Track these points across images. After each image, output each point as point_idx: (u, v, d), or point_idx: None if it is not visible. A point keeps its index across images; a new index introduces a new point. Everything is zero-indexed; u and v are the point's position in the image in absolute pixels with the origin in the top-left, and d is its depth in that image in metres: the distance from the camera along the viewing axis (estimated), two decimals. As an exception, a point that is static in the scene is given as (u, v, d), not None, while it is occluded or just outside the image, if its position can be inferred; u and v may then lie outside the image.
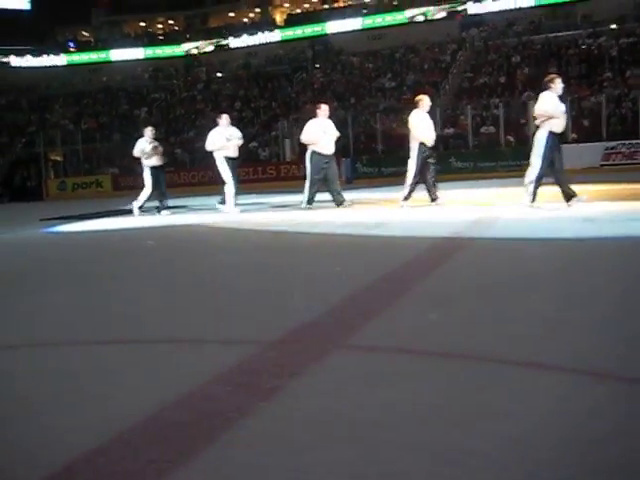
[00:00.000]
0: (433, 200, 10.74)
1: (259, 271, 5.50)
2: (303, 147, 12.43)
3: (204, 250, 7.40)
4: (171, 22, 51.16)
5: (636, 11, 35.98)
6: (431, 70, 35.94)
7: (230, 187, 11.87)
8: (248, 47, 45.56)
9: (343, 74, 38.62)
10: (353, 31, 42.41)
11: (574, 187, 8.97)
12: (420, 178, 10.70)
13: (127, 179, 31.51)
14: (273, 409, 2.32)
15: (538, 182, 8.95)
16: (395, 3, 43.44)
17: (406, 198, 10.71)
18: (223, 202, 12.09)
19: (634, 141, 22.27)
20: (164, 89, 43.86)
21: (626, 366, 2.59)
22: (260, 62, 43.89)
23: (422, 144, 10.62)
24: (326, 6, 45.90)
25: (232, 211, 11.76)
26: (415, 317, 3.55)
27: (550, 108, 8.89)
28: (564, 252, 5.67)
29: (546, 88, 9.10)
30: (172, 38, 49.20)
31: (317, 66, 40.85)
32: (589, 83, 29.59)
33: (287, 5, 48.32)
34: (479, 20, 39.83)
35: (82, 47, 49.89)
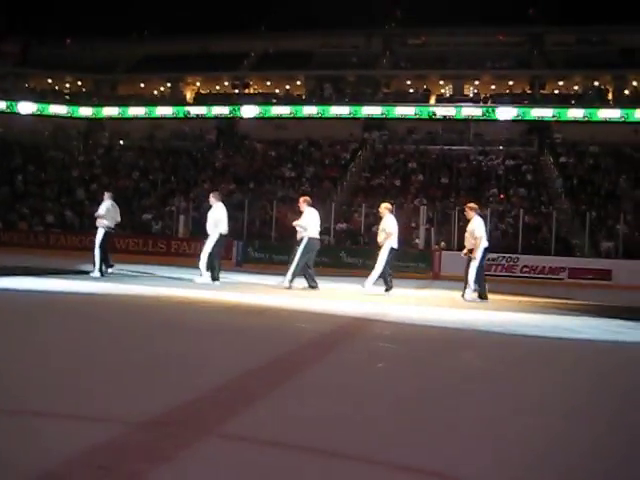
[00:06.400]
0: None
1: (134, 348, 5.30)
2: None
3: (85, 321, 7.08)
4: (79, 83, 50.49)
5: (521, 137, 38.97)
6: (331, 165, 37.05)
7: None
8: (154, 119, 45.53)
9: (245, 158, 39.14)
10: (260, 118, 43.34)
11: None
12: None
13: (11, 235, 30.14)
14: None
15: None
16: (304, 97, 44.88)
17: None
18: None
19: (513, 255, 23.61)
20: (63, 149, 42.87)
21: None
22: (164, 135, 43.89)
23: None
24: (237, 91, 46.78)
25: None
26: (294, 408, 3.49)
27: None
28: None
29: None
30: (78, 99, 48.43)
31: (221, 147, 41.27)
32: (477, 196, 31.33)
33: (198, 84, 48.94)
34: (381, 124, 41.71)
35: (-18, 95, 48.01)
